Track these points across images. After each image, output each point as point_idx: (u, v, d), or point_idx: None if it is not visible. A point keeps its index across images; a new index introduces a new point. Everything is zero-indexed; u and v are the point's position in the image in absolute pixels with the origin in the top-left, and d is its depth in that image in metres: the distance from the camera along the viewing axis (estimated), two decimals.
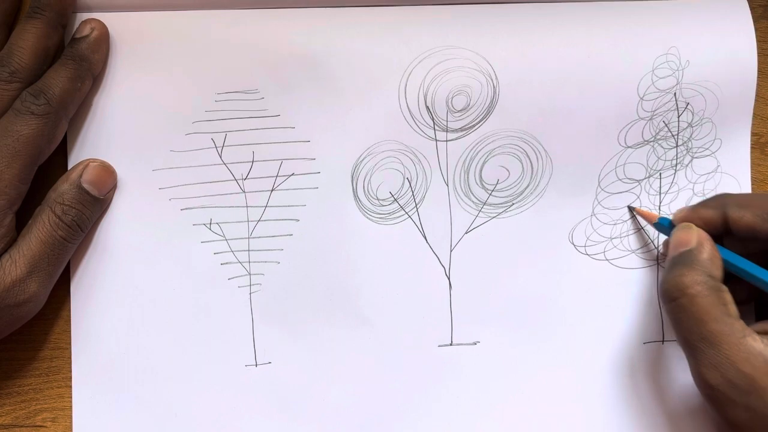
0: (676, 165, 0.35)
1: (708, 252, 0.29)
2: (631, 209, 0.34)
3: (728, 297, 0.28)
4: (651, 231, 0.35)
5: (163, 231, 0.33)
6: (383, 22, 0.33)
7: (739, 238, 0.30)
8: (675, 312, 0.29)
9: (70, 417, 0.33)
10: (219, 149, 0.33)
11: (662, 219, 0.33)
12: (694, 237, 0.30)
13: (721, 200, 0.31)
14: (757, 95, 0.34)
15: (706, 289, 0.28)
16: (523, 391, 0.34)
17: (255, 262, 0.33)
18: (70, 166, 0.33)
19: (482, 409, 0.34)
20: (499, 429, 0.34)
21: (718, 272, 0.29)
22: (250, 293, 0.33)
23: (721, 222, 0.30)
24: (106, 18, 0.32)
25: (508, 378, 0.34)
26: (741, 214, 0.30)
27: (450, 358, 0.34)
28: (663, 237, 0.34)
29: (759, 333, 0.27)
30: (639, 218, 0.34)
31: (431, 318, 0.34)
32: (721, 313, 0.27)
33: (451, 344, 0.34)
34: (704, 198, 0.33)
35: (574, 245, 0.34)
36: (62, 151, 0.33)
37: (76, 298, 0.33)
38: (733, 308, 0.28)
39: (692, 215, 0.31)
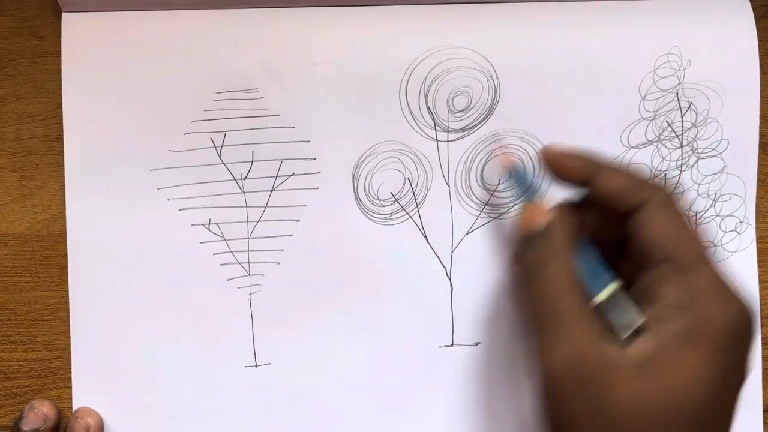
0: (681, 166, 0.36)
1: (566, 230, 0.29)
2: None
3: (578, 279, 0.28)
4: None
5: (161, 231, 0.35)
6: (384, 22, 0.35)
7: (595, 211, 0.30)
8: (533, 289, 0.28)
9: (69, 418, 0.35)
10: (218, 149, 0.35)
11: (520, 172, 0.33)
12: (548, 215, 0.30)
13: (595, 161, 0.30)
14: (760, 94, 0.35)
15: (564, 268, 0.28)
16: (523, 392, 0.36)
17: (255, 262, 0.35)
18: (66, 168, 0.35)
19: (482, 409, 0.36)
20: (500, 430, 0.36)
21: (573, 251, 0.29)
22: (250, 294, 0.35)
23: (585, 178, 0.30)
24: (105, 17, 0.34)
25: (508, 379, 0.36)
26: (611, 178, 0.29)
27: (451, 359, 0.35)
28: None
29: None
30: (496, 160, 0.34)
31: (432, 319, 0.35)
32: (577, 297, 0.27)
33: (451, 345, 0.36)
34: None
35: None
36: (59, 151, 0.35)
37: (74, 300, 0.35)
38: (581, 289, 0.28)
39: (562, 159, 0.31)
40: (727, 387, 0.26)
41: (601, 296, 0.28)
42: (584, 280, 0.29)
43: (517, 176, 0.34)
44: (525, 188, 0.33)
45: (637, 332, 0.27)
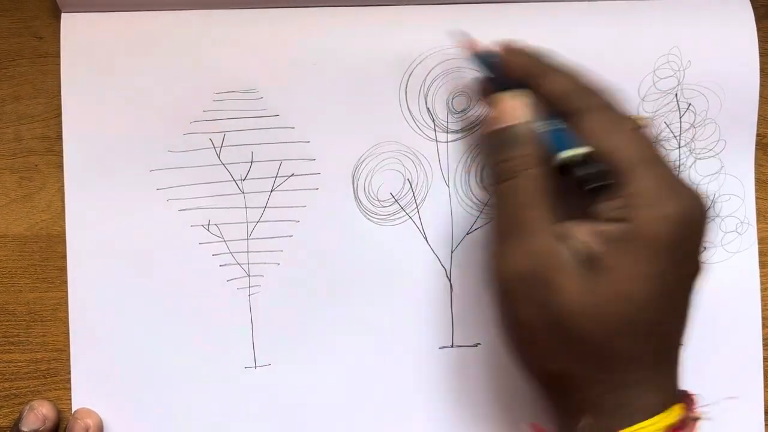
0: (678, 166, 0.36)
1: (535, 128, 0.29)
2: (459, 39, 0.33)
3: (544, 179, 0.28)
4: None
5: (160, 232, 0.35)
6: (383, 22, 0.35)
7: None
8: (504, 193, 0.28)
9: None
10: (217, 149, 0.35)
11: (485, 55, 0.31)
12: (526, 110, 0.29)
13: (543, 62, 0.30)
14: (759, 95, 0.36)
15: (538, 171, 0.28)
16: (523, 393, 0.36)
17: (254, 263, 0.35)
18: (66, 169, 0.35)
19: (483, 411, 0.36)
20: (499, 430, 0.36)
21: (541, 151, 0.29)
22: (249, 295, 0.35)
23: (529, 78, 0.30)
24: (104, 18, 0.34)
25: (508, 380, 0.36)
26: (554, 82, 0.29)
27: (451, 360, 0.36)
28: None
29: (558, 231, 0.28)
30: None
31: (432, 320, 0.36)
32: (542, 199, 0.28)
33: (452, 346, 0.36)
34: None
35: None
36: (58, 152, 0.35)
37: (74, 300, 0.35)
38: (544, 191, 0.28)
39: (508, 54, 0.30)
40: (672, 286, 0.27)
41: (568, 153, 0.28)
42: (550, 140, 0.29)
43: (483, 59, 0.32)
44: (492, 73, 0.32)
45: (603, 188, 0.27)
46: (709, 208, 0.28)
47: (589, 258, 0.27)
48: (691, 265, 0.28)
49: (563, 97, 0.29)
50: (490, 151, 0.30)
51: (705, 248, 0.27)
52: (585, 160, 0.28)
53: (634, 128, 0.28)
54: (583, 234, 0.27)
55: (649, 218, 0.26)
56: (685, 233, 0.27)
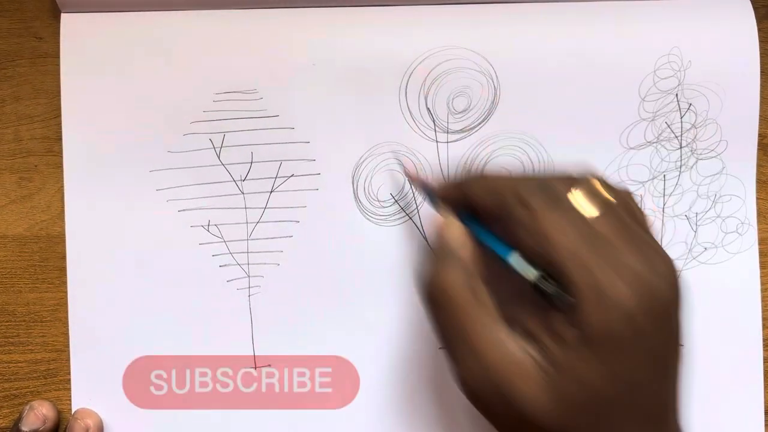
0: (680, 167, 0.36)
1: (469, 249, 0.28)
2: (400, 163, 0.35)
3: (484, 291, 0.27)
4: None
5: (160, 233, 0.35)
6: (383, 22, 0.35)
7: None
8: (436, 314, 0.28)
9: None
10: (217, 150, 0.35)
11: (430, 194, 0.32)
12: (456, 235, 0.29)
13: (463, 183, 0.30)
14: (760, 96, 0.35)
15: (465, 288, 0.27)
16: None
17: (254, 264, 0.35)
18: (66, 169, 0.35)
19: None
20: None
21: (476, 267, 0.28)
22: (249, 295, 0.35)
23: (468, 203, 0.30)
24: (104, 18, 0.35)
25: None
26: (482, 198, 0.29)
27: None
28: None
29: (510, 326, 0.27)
30: (407, 179, 0.34)
31: None
32: (476, 310, 0.27)
33: None
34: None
35: None
36: (58, 152, 0.35)
37: (73, 301, 0.35)
38: (487, 301, 0.27)
39: (451, 193, 0.30)
40: (641, 374, 0.26)
41: (526, 271, 0.27)
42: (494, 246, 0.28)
43: (423, 188, 0.33)
44: (431, 199, 0.32)
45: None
46: (678, 276, 0.26)
47: (547, 357, 0.26)
48: (664, 344, 0.26)
49: (492, 209, 0.28)
50: (426, 264, 0.29)
51: (682, 320, 0.26)
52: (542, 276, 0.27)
53: (569, 210, 0.27)
54: (537, 330, 0.26)
55: (597, 320, 0.25)
56: (645, 319, 0.25)
